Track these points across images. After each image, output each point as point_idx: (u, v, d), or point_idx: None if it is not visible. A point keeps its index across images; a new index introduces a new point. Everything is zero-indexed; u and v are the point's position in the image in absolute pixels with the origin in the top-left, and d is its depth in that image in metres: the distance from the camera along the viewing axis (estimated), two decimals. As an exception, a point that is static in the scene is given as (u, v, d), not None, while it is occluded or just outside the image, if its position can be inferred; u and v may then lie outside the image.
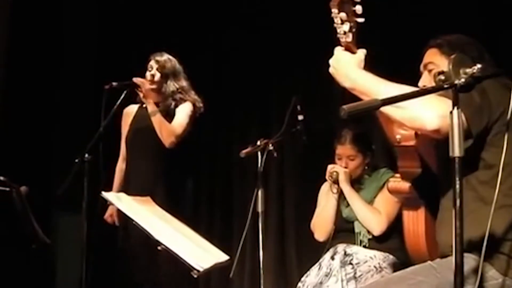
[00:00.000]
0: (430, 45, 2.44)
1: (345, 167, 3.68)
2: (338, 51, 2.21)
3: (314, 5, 4.73)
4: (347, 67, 2.18)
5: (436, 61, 2.38)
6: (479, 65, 1.84)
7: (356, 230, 3.64)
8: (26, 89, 5.10)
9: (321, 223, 3.78)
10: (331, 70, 2.23)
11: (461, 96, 1.92)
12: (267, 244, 3.84)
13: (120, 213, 4.13)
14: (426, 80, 2.41)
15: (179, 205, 4.14)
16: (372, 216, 3.57)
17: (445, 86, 1.85)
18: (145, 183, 4.03)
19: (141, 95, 4.04)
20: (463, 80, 1.82)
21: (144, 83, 3.99)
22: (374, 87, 2.12)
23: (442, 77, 1.88)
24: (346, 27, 2.06)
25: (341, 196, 3.70)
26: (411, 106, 2.04)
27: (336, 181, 3.65)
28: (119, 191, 4.09)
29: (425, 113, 2.03)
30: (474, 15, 4.11)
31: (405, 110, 2.06)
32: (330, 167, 3.70)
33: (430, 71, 2.39)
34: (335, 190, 3.68)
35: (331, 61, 2.23)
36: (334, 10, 2.05)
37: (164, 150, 4.05)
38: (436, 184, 2.36)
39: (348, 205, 3.67)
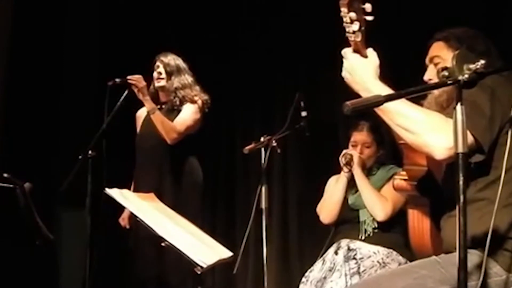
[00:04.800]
0: (436, 38, 2.41)
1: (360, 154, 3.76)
2: (350, 55, 2.13)
3: (317, 2, 4.75)
4: (365, 78, 2.11)
5: (442, 54, 2.35)
6: (482, 61, 1.83)
7: (361, 219, 3.68)
8: (29, 87, 5.11)
9: (328, 205, 3.83)
10: (345, 76, 2.16)
11: (470, 110, 1.94)
12: (271, 240, 3.85)
13: (132, 216, 4.15)
14: (431, 74, 2.38)
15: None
16: (378, 201, 3.63)
17: (449, 82, 1.85)
18: (152, 182, 4.05)
19: (136, 92, 4.00)
20: (466, 76, 1.81)
21: (139, 81, 3.98)
22: (393, 106, 2.05)
23: (446, 73, 1.87)
24: (355, 26, 2.00)
25: (348, 183, 3.76)
26: (423, 132, 2.03)
27: (348, 163, 3.70)
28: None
29: (436, 142, 2.00)
30: (477, 8, 4.10)
31: (416, 136, 2.04)
32: (345, 151, 3.77)
33: (436, 64, 2.37)
34: (346, 170, 3.73)
35: (345, 67, 2.15)
36: (344, 10, 1.99)
37: (169, 148, 4.07)
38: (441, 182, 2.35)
39: (355, 192, 3.74)
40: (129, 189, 4.23)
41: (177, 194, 4.02)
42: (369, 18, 2.01)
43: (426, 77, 2.41)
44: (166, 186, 4.04)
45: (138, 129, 4.35)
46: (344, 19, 2.00)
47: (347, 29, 2.03)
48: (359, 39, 2.05)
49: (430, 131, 2.02)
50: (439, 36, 2.40)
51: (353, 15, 1.99)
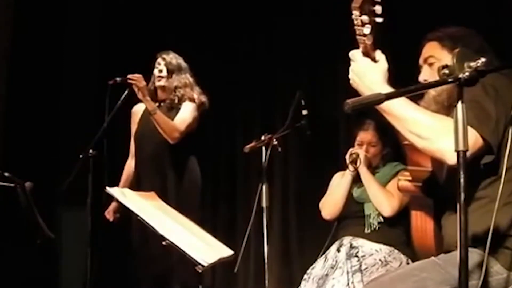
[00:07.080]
0: (428, 38, 2.38)
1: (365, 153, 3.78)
2: (360, 57, 2.09)
3: (317, 1, 4.75)
4: (375, 83, 2.07)
5: (436, 54, 2.33)
6: (483, 59, 1.83)
7: (366, 212, 3.70)
8: (30, 86, 5.11)
9: (331, 201, 3.85)
10: (352, 78, 2.12)
11: (477, 112, 1.95)
12: (272, 238, 3.85)
13: (119, 211, 4.15)
14: (427, 74, 2.36)
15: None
16: (385, 197, 3.64)
17: (449, 80, 1.85)
18: (155, 181, 4.05)
19: (136, 91, 3.99)
20: (467, 74, 1.81)
21: (139, 80, 3.97)
22: (404, 112, 2.03)
23: (446, 71, 1.87)
24: (367, 29, 1.98)
25: (353, 179, 3.77)
26: (434, 138, 2.01)
27: (354, 161, 3.72)
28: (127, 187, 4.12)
29: (448, 148, 1.94)
30: (476, 8, 4.10)
31: (428, 142, 2.02)
32: (351, 149, 3.78)
33: (430, 65, 2.35)
34: (352, 169, 3.74)
35: (353, 69, 2.11)
36: (356, 13, 1.96)
37: (170, 147, 4.07)
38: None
39: (360, 186, 3.75)
40: (117, 177, 4.25)
41: (179, 193, 4.03)
42: (379, 20, 1.99)
43: (421, 78, 2.38)
44: (169, 185, 4.04)
45: (134, 126, 4.32)
46: (356, 22, 1.98)
47: (358, 32, 2.01)
48: (370, 42, 2.03)
49: (441, 136, 1.99)
50: (432, 36, 2.37)
51: (365, 18, 1.97)
